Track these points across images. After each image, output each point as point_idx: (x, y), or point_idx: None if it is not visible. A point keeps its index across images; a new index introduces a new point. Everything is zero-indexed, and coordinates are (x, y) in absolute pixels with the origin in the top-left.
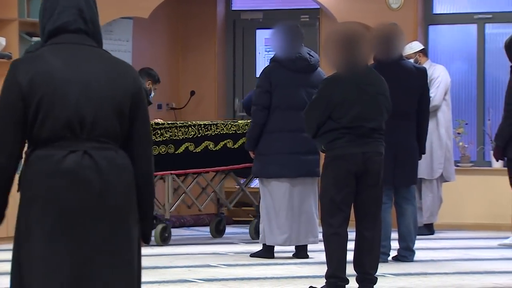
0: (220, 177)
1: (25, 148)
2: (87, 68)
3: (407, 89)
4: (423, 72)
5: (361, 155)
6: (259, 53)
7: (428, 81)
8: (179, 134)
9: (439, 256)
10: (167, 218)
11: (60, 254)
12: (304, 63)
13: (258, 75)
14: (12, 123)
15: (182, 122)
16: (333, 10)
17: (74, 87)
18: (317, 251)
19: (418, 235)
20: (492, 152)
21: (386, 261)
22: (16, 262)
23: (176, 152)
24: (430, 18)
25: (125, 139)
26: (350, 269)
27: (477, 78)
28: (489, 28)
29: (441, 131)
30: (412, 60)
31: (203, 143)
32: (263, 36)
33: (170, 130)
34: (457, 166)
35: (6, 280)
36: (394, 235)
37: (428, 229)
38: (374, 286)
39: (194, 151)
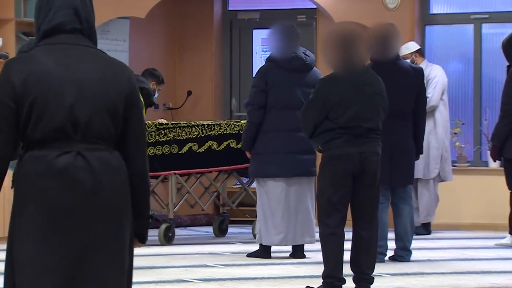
0: (223, 177)
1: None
2: (82, 69)
3: (404, 89)
4: (419, 72)
5: (358, 155)
6: (256, 53)
7: (425, 81)
8: (182, 134)
9: (436, 256)
10: (170, 218)
11: (52, 254)
12: (300, 62)
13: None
14: (4, 123)
15: (185, 122)
16: (330, 10)
17: (69, 88)
18: (314, 251)
19: (415, 234)
20: (489, 152)
21: (383, 261)
22: (9, 262)
23: (179, 152)
24: (426, 18)
25: (120, 139)
26: (347, 269)
27: (473, 78)
28: (486, 28)
29: (438, 131)
30: (408, 61)
31: (206, 143)
32: (260, 36)
33: (173, 130)
34: (454, 166)
35: (1, 280)
36: (391, 235)
37: (425, 229)
38: (371, 286)
39: (197, 151)
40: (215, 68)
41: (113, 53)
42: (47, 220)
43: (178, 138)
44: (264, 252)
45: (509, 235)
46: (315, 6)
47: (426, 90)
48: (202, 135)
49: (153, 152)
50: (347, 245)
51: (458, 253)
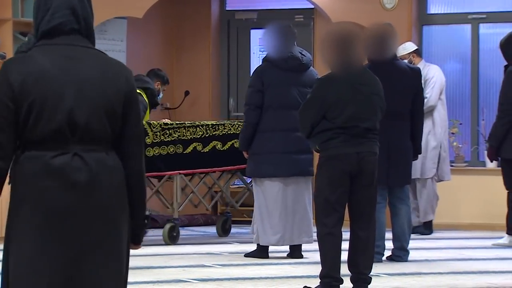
0: (226, 177)
1: None
2: (80, 69)
3: (401, 89)
4: (417, 72)
5: (356, 155)
6: (254, 53)
7: (423, 81)
8: (187, 134)
9: (434, 256)
10: (175, 218)
11: (48, 254)
12: (296, 62)
13: None
14: (5, 124)
15: (190, 122)
16: (327, 10)
17: (67, 90)
18: (312, 251)
19: (418, 234)
20: (486, 152)
21: (380, 261)
22: (6, 262)
23: (184, 152)
24: (424, 18)
25: (117, 138)
26: (344, 269)
27: (471, 78)
28: (483, 28)
29: (437, 130)
30: (406, 61)
31: (211, 143)
32: (257, 36)
33: (178, 130)
34: (451, 166)
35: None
36: (388, 235)
37: (427, 228)
38: (369, 286)
39: (202, 151)
40: (213, 68)
41: (110, 53)
42: (43, 220)
43: (182, 138)
44: (261, 252)
45: (506, 235)
46: (312, 6)
47: (423, 90)
48: (207, 135)
49: (158, 152)
50: (345, 245)
51: (456, 253)
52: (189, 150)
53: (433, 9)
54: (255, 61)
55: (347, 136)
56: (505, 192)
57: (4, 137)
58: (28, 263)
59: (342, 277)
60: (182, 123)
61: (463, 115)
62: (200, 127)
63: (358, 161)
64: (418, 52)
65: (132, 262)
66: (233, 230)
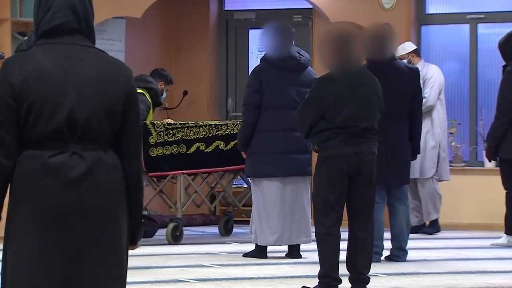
0: (229, 177)
1: None
2: (81, 69)
3: (400, 89)
4: (415, 72)
5: (354, 155)
6: (252, 53)
7: (422, 81)
8: (190, 134)
9: (432, 256)
10: (179, 217)
11: (47, 254)
12: (294, 62)
13: None
14: (7, 122)
15: (193, 122)
16: (326, 10)
17: (67, 89)
18: (310, 250)
19: (424, 233)
20: (484, 152)
21: (379, 261)
22: (5, 261)
23: (187, 152)
24: (422, 18)
25: (116, 137)
26: (343, 269)
27: (469, 78)
28: (482, 28)
29: (436, 130)
30: (405, 61)
31: (214, 143)
32: (256, 36)
33: (182, 130)
34: (450, 166)
35: None
36: (387, 235)
37: (432, 227)
38: (367, 286)
39: (205, 151)
40: (211, 68)
41: (109, 53)
42: (42, 219)
43: (186, 138)
44: (260, 252)
45: (505, 235)
46: (311, 6)
47: (422, 90)
48: (210, 135)
49: (161, 152)
50: (343, 245)
51: (454, 253)
52: (193, 150)
53: (432, 9)
54: (254, 61)
55: (346, 136)
56: (503, 192)
57: (7, 135)
58: (28, 263)
59: (340, 277)
60: (185, 123)
61: (461, 115)
62: (203, 127)
63: (356, 161)
64: (417, 52)
65: (130, 262)
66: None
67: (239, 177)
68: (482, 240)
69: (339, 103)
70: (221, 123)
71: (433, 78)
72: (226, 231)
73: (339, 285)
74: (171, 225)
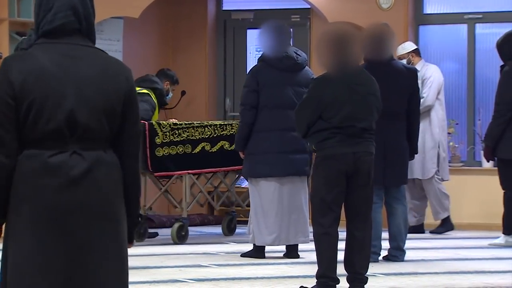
0: (233, 177)
1: None
2: (81, 68)
3: (398, 89)
4: (413, 72)
5: (352, 155)
6: (250, 53)
7: (421, 81)
8: (196, 134)
9: (430, 255)
10: (184, 217)
11: (48, 254)
12: (291, 62)
13: None
14: (7, 121)
15: (199, 122)
16: (324, 10)
17: (67, 89)
18: (308, 251)
19: (436, 233)
20: (482, 152)
21: (376, 260)
22: (5, 261)
23: (193, 152)
24: (420, 18)
25: (115, 137)
26: (341, 269)
27: (467, 78)
28: (479, 28)
29: (434, 130)
30: (405, 60)
31: (219, 143)
32: (254, 36)
33: (187, 130)
34: (448, 166)
35: None
36: (385, 234)
37: (444, 226)
38: (365, 285)
39: (210, 150)
40: (209, 68)
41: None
42: (42, 219)
43: (191, 138)
44: (258, 252)
45: (502, 235)
46: (309, 6)
47: (419, 90)
48: (215, 135)
49: (167, 152)
50: (341, 245)
51: (452, 253)
52: (198, 150)
53: (429, 9)
54: (252, 61)
55: (344, 136)
56: (501, 192)
57: (7, 135)
58: (28, 263)
59: (338, 277)
60: (191, 123)
61: (459, 115)
62: (209, 127)
63: (354, 161)
64: (417, 52)
65: (129, 262)
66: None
67: (242, 177)
68: (480, 240)
69: (336, 103)
70: (225, 123)
71: (431, 78)
72: (229, 231)
73: (337, 285)
74: (176, 225)
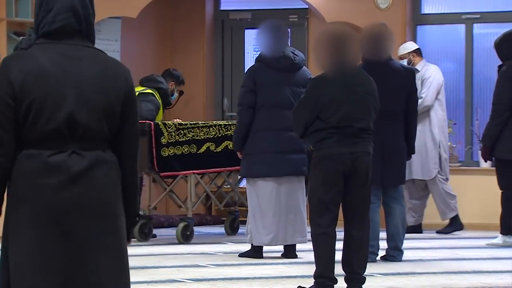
0: (236, 176)
1: None
2: (80, 69)
3: (395, 89)
4: (411, 72)
5: (349, 155)
6: (248, 53)
7: (420, 81)
8: (200, 134)
9: (428, 255)
10: (189, 217)
11: (48, 253)
12: (288, 61)
13: None
14: (5, 121)
15: (203, 122)
16: (321, 10)
17: (67, 89)
18: (306, 250)
19: (445, 233)
20: (480, 152)
21: (374, 260)
22: (5, 261)
23: (198, 152)
24: (418, 18)
25: (114, 137)
26: (338, 269)
27: (465, 78)
28: (477, 28)
29: (434, 131)
30: (405, 60)
31: (223, 143)
32: (251, 36)
33: (192, 130)
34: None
35: None
36: (383, 234)
37: (452, 225)
38: (363, 285)
39: (215, 150)
40: (207, 68)
41: None
42: (42, 218)
43: (196, 138)
44: (255, 252)
45: (500, 235)
46: (306, 6)
47: (417, 90)
48: (219, 135)
49: (173, 152)
50: (339, 245)
51: (450, 253)
52: (203, 150)
53: (427, 9)
54: (249, 61)
55: (341, 136)
56: (498, 192)
57: (5, 134)
58: (29, 262)
59: (336, 277)
60: (196, 123)
61: (457, 115)
62: (213, 127)
63: (352, 161)
64: (418, 52)
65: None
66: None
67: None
68: (478, 240)
69: (334, 103)
70: (230, 123)
71: (430, 78)
72: (232, 230)
73: (334, 285)
74: (181, 225)
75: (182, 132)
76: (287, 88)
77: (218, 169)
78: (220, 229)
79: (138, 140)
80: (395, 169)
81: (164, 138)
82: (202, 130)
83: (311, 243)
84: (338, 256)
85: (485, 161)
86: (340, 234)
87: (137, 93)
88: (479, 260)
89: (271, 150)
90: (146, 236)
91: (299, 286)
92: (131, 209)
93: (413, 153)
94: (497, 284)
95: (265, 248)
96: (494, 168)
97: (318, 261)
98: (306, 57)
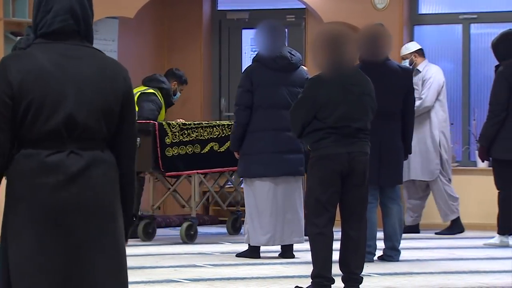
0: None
1: None
2: (79, 69)
3: (393, 89)
4: (408, 72)
5: (347, 155)
6: (245, 53)
7: (421, 81)
8: (204, 134)
9: (425, 255)
10: (193, 217)
11: (47, 253)
12: (285, 61)
13: None
14: (2, 120)
15: (207, 122)
16: (319, 10)
17: (66, 89)
18: (303, 250)
19: (446, 234)
20: (477, 152)
21: (371, 260)
22: (4, 261)
23: (202, 152)
24: (415, 18)
25: (112, 137)
26: (336, 269)
27: (462, 78)
28: (474, 28)
29: (434, 132)
30: (407, 61)
31: (227, 143)
32: (249, 36)
33: (196, 130)
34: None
35: None
36: (380, 234)
37: (452, 227)
38: (360, 285)
39: (218, 150)
40: (204, 68)
41: None
42: (40, 218)
43: (200, 138)
44: (253, 252)
45: (497, 235)
46: (304, 6)
47: (419, 91)
48: (223, 135)
49: (177, 152)
50: (336, 245)
51: (447, 253)
52: (207, 150)
53: (424, 9)
54: (247, 61)
55: (338, 136)
56: (496, 192)
57: (1, 134)
58: (28, 262)
59: (333, 277)
60: (199, 123)
61: (454, 115)
62: (217, 127)
63: (349, 161)
64: (420, 52)
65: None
66: (222, 229)
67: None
68: (475, 240)
69: (331, 103)
70: (233, 123)
71: (431, 79)
72: (234, 230)
73: (332, 285)
74: (185, 224)
75: (186, 132)
76: (284, 88)
77: (221, 169)
78: (218, 229)
79: (136, 140)
80: (392, 169)
81: (168, 138)
82: (205, 130)
83: (308, 243)
84: (336, 256)
85: (482, 161)
86: (337, 234)
87: (139, 93)
88: (476, 260)
89: (268, 150)
90: (150, 236)
91: (297, 286)
92: (128, 209)
93: (410, 153)
94: (494, 284)
95: (262, 248)
96: (491, 168)
97: (315, 261)
98: (304, 57)
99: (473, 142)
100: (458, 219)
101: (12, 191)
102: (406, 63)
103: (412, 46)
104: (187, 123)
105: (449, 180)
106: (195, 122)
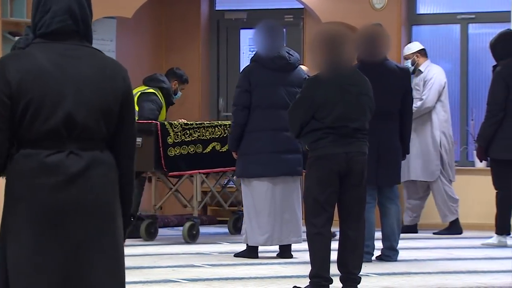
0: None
1: None
2: (78, 68)
3: (391, 89)
4: (406, 72)
5: (344, 155)
6: (243, 53)
7: (422, 82)
8: (206, 134)
9: (423, 255)
10: (195, 216)
11: (46, 253)
12: (283, 61)
13: None
14: (1, 119)
15: (209, 122)
16: (317, 10)
17: (65, 89)
18: (301, 250)
19: (446, 235)
20: (475, 152)
21: (370, 260)
22: (2, 261)
23: (204, 152)
24: (413, 18)
25: (111, 137)
26: (334, 269)
27: (460, 78)
28: (472, 28)
29: (435, 132)
30: (410, 61)
31: None
32: (247, 36)
33: (198, 130)
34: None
35: None
36: (378, 234)
37: (451, 228)
38: (358, 285)
39: (220, 150)
40: (202, 68)
41: None
42: (40, 218)
43: (202, 138)
44: (251, 252)
45: (495, 235)
46: (302, 6)
47: (416, 91)
48: (225, 135)
49: (179, 152)
50: (334, 245)
51: (445, 253)
52: (209, 150)
53: (422, 9)
54: (245, 61)
55: (336, 136)
56: (494, 192)
57: (0, 134)
58: (27, 262)
59: (331, 277)
60: (201, 123)
61: (452, 115)
62: (219, 127)
63: (347, 161)
64: (422, 53)
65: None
66: (221, 230)
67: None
68: (473, 240)
69: (329, 103)
70: (232, 123)
71: (432, 79)
72: (235, 230)
73: (330, 285)
74: (187, 224)
75: (188, 132)
76: (282, 88)
77: (223, 169)
78: (216, 229)
79: (135, 140)
80: (390, 169)
81: (171, 138)
82: (207, 130)
83: (306, 243)
84: (334, 256)
85: (480, 161)
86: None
87: (139, 93)
88: (474, 260)
89: (266, 150)
90: (152, 236)
91: (295, 286)
92: (127, 209)
93: (408, 153)
94: (492, 284)
95: (260, 248)
96: (489, 168)
97: (313, 261)
98: (302, 57)
99: (471, 142)
100: (457, 220)
101: (12, 191)
102: (408, 63)
103: (414, 46)
104: (189, 123)
105: (450, 181)
106: (197, 122)
